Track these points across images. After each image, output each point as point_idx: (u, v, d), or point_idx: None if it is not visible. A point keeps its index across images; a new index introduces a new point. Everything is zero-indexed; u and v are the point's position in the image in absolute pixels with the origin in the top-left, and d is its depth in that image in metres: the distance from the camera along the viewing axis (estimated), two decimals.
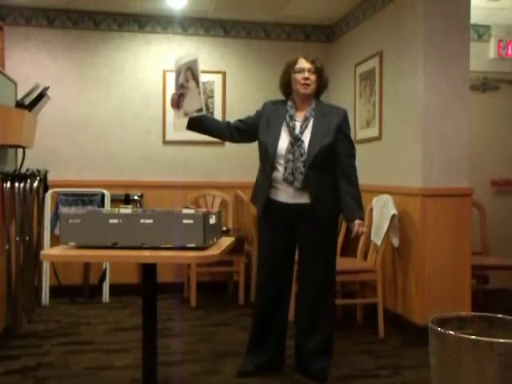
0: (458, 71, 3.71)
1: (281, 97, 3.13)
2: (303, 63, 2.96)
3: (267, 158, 2.94)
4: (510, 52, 5.04)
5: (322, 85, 3.02)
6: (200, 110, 2.82)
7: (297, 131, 2.91)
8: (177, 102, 2.88)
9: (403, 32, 3.94)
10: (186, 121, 3.00)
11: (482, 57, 5.01)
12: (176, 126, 5.02)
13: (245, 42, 5.22)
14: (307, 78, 2.93)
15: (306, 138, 2.90)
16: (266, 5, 4.76)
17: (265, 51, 5.21)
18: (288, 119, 2.95)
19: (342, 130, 2.97)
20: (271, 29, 5.25)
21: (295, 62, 3.00)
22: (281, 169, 2.90)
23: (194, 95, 2.81)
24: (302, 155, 2.87)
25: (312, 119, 2.95)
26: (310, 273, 3.01)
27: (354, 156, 3.01)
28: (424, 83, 3.68)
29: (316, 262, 2.99)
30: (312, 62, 2.97)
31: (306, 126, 2.93)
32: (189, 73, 2.79)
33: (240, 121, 3.11)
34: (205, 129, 3.10)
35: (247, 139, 3.14)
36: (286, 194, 2.93)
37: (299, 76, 2.94)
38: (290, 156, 2.88)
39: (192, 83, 2.79)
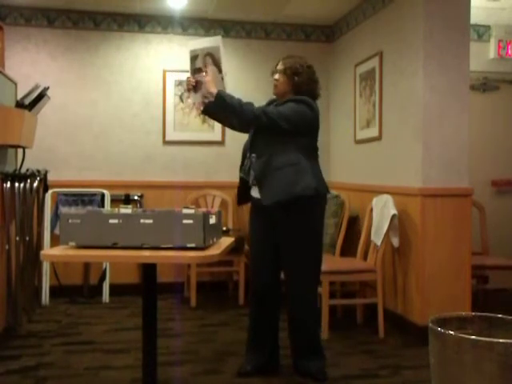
0: (458, 71, 3.72)
1: None
2: (278, 65, 3.03)
3: (243, 156, 3.07)
4: (510, 52, 5.04)
5: (294, 85, 2.96)
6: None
7: None
8: (194, 85, 2.86)
9: (403, 32, 3.94)
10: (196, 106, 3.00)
11: (482, 57, 5.01)
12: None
13: (245, 42, 5.22)
14: (275, 80, 3.00)
15: None
16: (266, 5, 4.76)
17: (265, 51, 5.21)
18: None
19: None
20: (271, 29, 5.26)
21: (277, 63, 3.07)
22: (245, 166, 3.02)
23: (215, 80, 2.81)
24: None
25: None
26: (286, 271, 3.01)
27: (274, 111, 2.84)
28: (424, 83, 3.68)
29: (288, 260, 2.96)
30: (284, 63, 3.00)
31: None
32: (208, 58, 2.80)
33: None
34: (220, 115, 3.06)
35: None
36: (252, 188, 3.02)
37: (272, 77, 3.03)
38: (248, 153, 2.99)
39: (213, 68, 2.80)
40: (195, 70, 2.85)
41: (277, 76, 2.99)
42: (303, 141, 2.91)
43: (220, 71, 2.80)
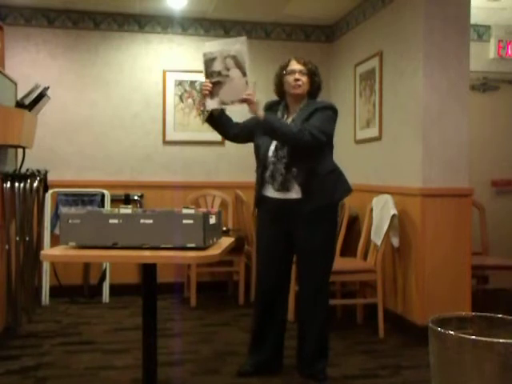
0: (458, 71, 3.71)
1: None
2: (294, 65, 2.98)
3: (259, 160, 3.01)
4: (510, 52, 5.04)
5: (315, 86, 3.02)
6: (244, 100, 2.73)
7: None
8: (210, 90, 2.74)
9: (403, 32, 3.94)
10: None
11: (482, 57, 5.01)
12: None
13: None
14: (298, 79, 2.94)
15: None
16: (266, 5, 4.76)
17: (265, 51, 5.20)
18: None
19: (313, 115, 2.90)
20: (271, 29, 5.25)
21: (287, 63, 3.01)
22: (268, 171, 2.95)
23: (238, 85, 2.68)
24: (284, 157, 2.90)
25: (296, 117, 2.97)
26: (304, 273, 3.01)
27: (315, 129, 2.81)
28: (424, 83, 3.68)
29: (309, 260, 2.98)
30: (304, 63, 2.98)
31: None
32: (230, 60, 2.67)
33: (243, 123, 3.10)
34: (222, 125, 3.02)
35: (244, 141, 3.19)
36: (272, 191, 2.97)
37: (290, 78, 2.96)
38: (273, 159, 2.92)
39: (235, 72, 2.67)
40: (212, 73, 2.71)
41: (297, 75, 2.94)
42: (331, 143, 2.99)
43: (244, 74, 2.68)
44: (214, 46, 2.76)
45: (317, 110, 2.91)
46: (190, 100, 5.10)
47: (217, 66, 2.69)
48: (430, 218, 3.67)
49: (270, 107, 3.06)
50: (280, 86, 3.04)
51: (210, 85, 2.75)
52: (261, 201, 3.04)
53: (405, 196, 3.85)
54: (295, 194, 2.91)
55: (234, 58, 2.67)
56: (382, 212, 3.88)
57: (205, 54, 2.73)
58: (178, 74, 5.06)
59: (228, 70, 2.69)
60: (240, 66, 2.68)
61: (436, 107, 3.70)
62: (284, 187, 2.91)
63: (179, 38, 5.10)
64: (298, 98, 2.98)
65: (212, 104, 2.76)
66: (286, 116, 3.01)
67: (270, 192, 2.98)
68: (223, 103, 2.75)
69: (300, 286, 3.06)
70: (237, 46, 2.69)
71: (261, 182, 3.00)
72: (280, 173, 2.90)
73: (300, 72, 2.95)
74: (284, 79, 2.99)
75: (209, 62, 2.71)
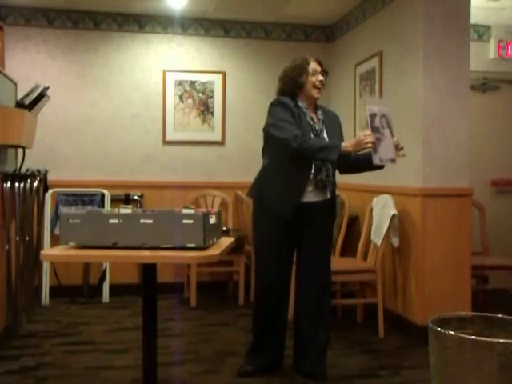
0: (458, 71, 3.72)
1: None
2: (316, 65, 2.95)
3: (305, 160, 2.86)
4: (510, 52, 5.05)
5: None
6: (393, 160, 2.82)
7: (321, 135, 2.96)
8: (374, 143, 2.71)
9: (403, 32, 3.94)
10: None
11: (482, 57, 5.02)
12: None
13: (245, 42, 5.22)
14: (322, 81, 2.94)
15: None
16: (266, 5, 4.76)
17: (265, 51, 5.21)
18: (311, 122, 2.94)
19: (342, 132, 3.16)
20: (271, 29, 5.26)
21: (308, 62, 2.93)
22: (323, 171, 2.92)
23: (389, 144, 2.80)
24: None
25: (324, 122, 3.00)
26: (312, 271, 3.01)
27: None
28: (424, 83, 3.68)
29: (320, 259, 3.01)
30: (321, 64, 2.99)
31: (322, 130, 2.96)
32: (384, 120, 2.79)
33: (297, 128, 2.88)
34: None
35: None
36: (315, 194, 2.93)
37: (314, 78, 2.91)
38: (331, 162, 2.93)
39: (387, 131, 2.80)
40: (374, 128, 2.76)
41: (321, 77, 2.94)
42: None
43: (392, 135, 2.82)
44: (374, 102, 3.02)
45: (339, 124, 3.12)
46: (189, 100, 5.10)
47: (377, 123, 2.78)
48: (429, 217, 3.67)
49: (285, 105, 2.89)
50: (295, 86, 2.93)
51: (374, 139, 2.70)
52: (296, 208, 2.90)
53: (405, 196, 3.85)
54: (328, 194, 2.97)
55: (386, 118, 2.81)
56: (382, 212, 3.88)
57: (368, 109, 2.75)
58: (178, 73, 5.06)
59: (383, 128, 2.79)
60: (390, 127, 2.82)
61: (436, 107, 3.70)
62: (330, 188, 2.96)
63: (179, 38, 5.10)
64: (315, 99, 2.98)
65: (375, 159, 2.78)
66: (310, 114, 2.97)
67: (314, 196, 2.93)
68: (381, 160, 2.80)
69: (306, 285, 3.03)
70: (384, 107, 2.85)
71: (304, 187, 2.89)
72: (332, 173, 2.96)
73: (321, 73, 2.95)
74: (307, 79, 2.91)
75: (372, 116, 2.76)
